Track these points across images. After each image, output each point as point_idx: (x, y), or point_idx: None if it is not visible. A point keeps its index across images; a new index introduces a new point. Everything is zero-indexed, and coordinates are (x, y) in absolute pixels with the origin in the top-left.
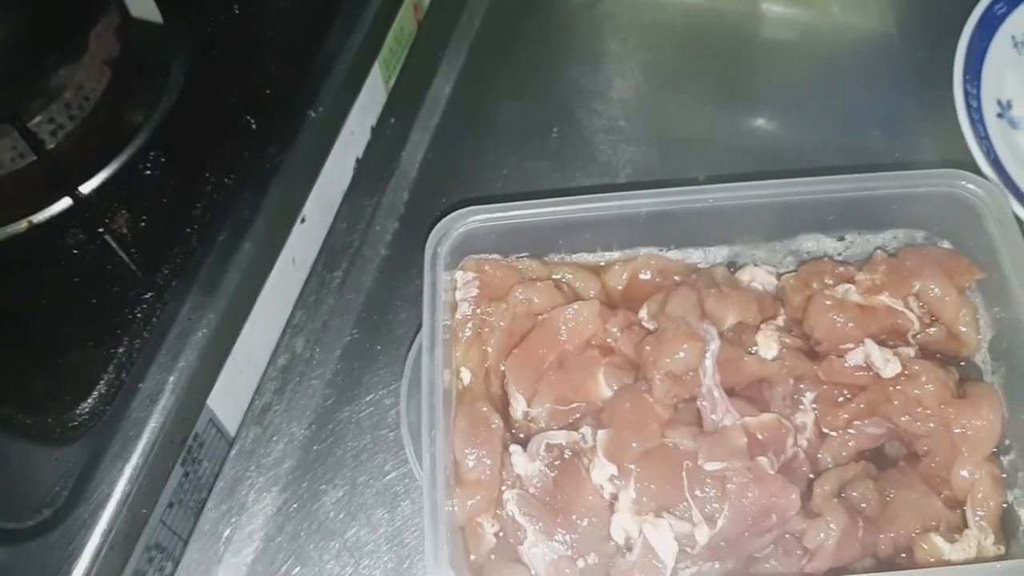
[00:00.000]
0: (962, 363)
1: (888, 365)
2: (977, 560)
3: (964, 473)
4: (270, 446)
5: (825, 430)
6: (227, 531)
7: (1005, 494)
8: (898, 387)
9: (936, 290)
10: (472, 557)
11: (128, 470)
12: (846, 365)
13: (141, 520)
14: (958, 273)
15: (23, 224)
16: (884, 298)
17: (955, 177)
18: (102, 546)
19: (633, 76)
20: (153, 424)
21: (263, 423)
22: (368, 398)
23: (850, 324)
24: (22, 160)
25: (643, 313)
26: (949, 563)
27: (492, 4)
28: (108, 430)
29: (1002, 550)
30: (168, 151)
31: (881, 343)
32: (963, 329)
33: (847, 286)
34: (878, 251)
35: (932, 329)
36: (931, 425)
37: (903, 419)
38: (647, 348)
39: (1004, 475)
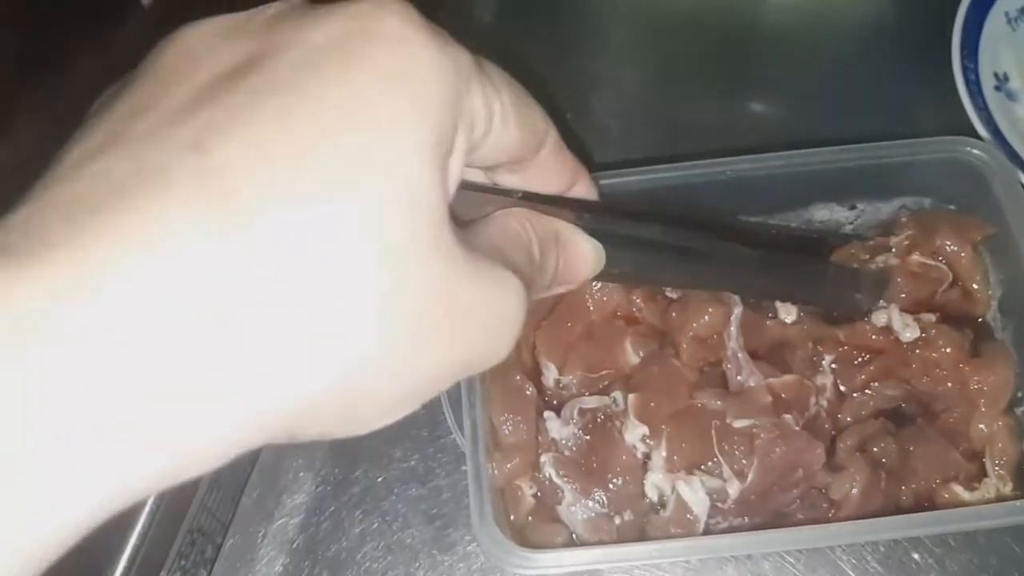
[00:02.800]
0: (979, 319)
1: (907, 330)
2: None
3: (982, 426)
4: None
5: (843, 389)
6: (266, 512)
7: (1021, 443)
8: (916, 351)
9: (952, 247)
10: (512, 518)
11: None
12: (866, 326)
13: (185, 501)
14: (968, 229)
15: None
16: (917, 257)
17: (959, 143)
18: (148, 526)
19: (643, 63)
20: None
21: None
22: None
23: (903, 294)
24: (47, 147)
25: None
26: (966, 503)
27: (499, 4)
28: None
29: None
30: None
31: (910, 308)
32: (976, 287)
33: (885, 255)
34: (903, 209)
35: (950, 288)
36: (948, 384)
37: (921, 381)
38: (673, 314)
39: (1020, 425)
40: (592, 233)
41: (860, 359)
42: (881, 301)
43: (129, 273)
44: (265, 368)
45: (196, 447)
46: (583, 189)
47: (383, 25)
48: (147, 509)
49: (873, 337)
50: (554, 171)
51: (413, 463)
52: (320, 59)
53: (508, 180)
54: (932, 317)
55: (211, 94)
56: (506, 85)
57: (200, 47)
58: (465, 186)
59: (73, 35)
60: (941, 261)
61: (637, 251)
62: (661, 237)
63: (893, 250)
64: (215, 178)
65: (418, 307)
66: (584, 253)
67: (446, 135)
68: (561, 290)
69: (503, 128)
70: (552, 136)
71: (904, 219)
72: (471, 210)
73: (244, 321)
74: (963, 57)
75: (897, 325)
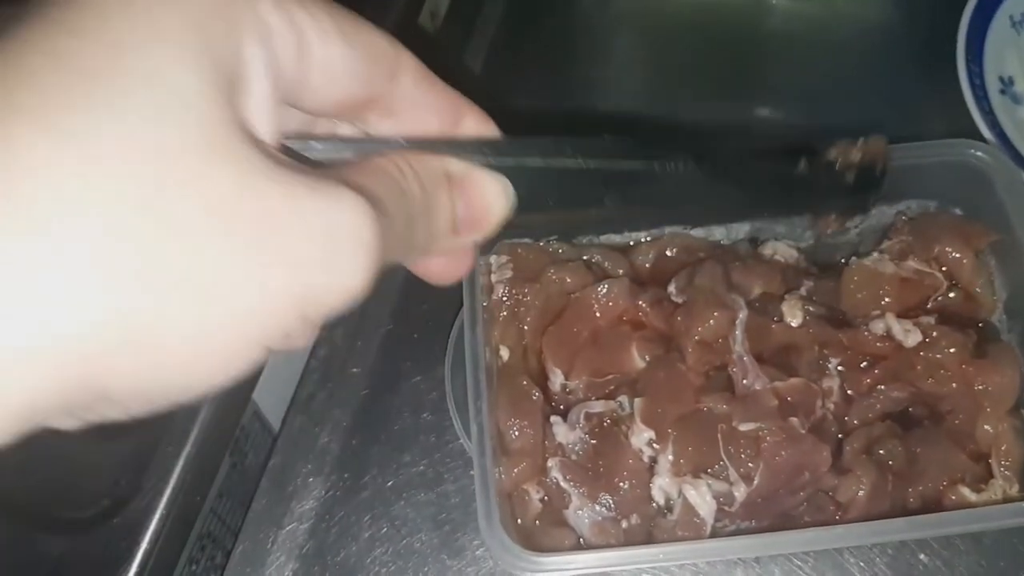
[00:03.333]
0: (980, 324)
1: (909, 335)
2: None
3: (988, 427)
4: (315, 434)
5: (850, 392)
6: (276, 518)
7: None
8: (920, 354)
9: (954, 253)
10: (519, 522)
11: (182, 460)
12: (866, 335)
13: (195, 508)
14: (973, 236)
15: None
16: (912, 262)
17: (964, 146)
18: (160, 532)
19: (644, 71)
20: (204, 415)
21: (307, 412)
22: (407, 384)
23: (886, 299)
24: None
25: (671, 288)
26: (970, 505)
27: (504, 13)
28: (163, 422)
29: None
30: None
31: (901, 313)
32: (979, 291)
33: (875, 255)
34: (899, 214)
35: (951, 293)
36: (953, 386)
37: (926, 383)
38: (678, 319)
39: None
40: (500, 172)
41: (866, 362)
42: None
43: None
44: (28, 312)
45: None
46: (474, 125)
47: None
48: (158, 515)
49: (877, 344)
50: (428, 105)
51: (421, 468)
52: None
53: (384, 128)
54: (931, 319)
55: None
56: (324, 5)
57: None
58: (337, 140)
59: None
60: (940, 268)
61: (555, 184)
62: (581, 162)
63: (886, 254)
64: None
65: (192, 208)
66: (487, 190)
67: (218, 40)
68: (472, 237)
69: (326, 47)
70: (408, 62)
71: (900, 223)
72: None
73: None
74: (968, 61)
75: (897, 332)
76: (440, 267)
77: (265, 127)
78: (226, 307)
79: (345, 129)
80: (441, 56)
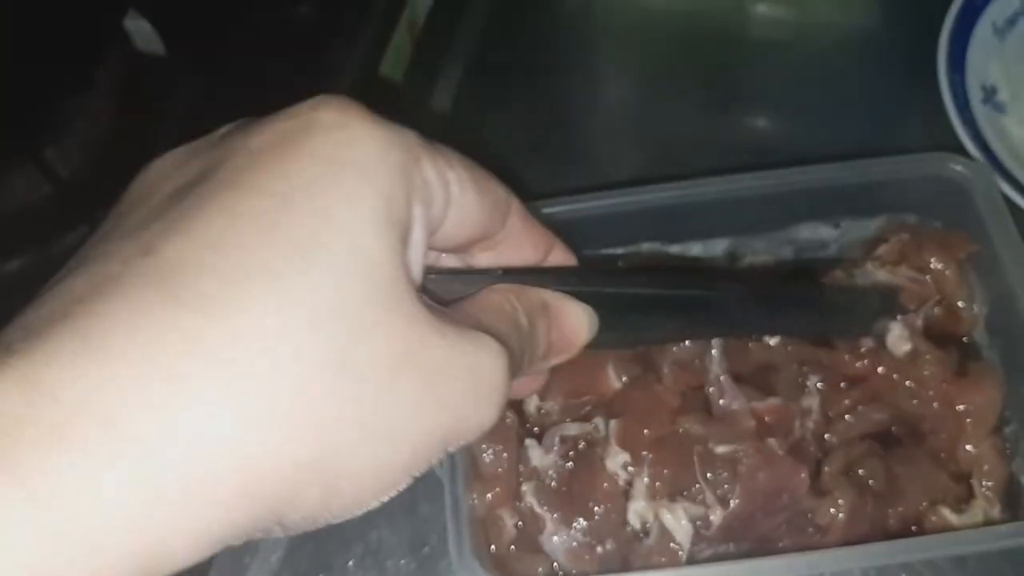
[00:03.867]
0: (964, 338)
1: (903, 343)
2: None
3: (969, 447)
4: None
5: (830, 415)
6: (252, 543)
7: (1009, 465)
8: (898, 374)
9: (937, 264)
10: (493, 548)
11: None
12: (846, 357)
13: None
14: (953, 247)
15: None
16: (905, 269)
17: (941, 159)
18: None
19: (626, 80)
20: None
21: None
22: None
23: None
24: (37, 191)
25: None
26: (954, 528)
27: (486, 21)
28: None
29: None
30: None
31: None
32: (961, 304)
33: (865, 269)
34: (890, 221)
35: (935, 308)
36: (934, 405)
37: (907, 403)
38: None
39: (1007, 446)
40: (580, 298)
41: (845, 382)
42: (891, 319)
43: (81, 368)
44: (235, 442)
45: (174, 540)
46: (560, 256)
47: (320, 117)
48: None
49: (857, 364)
50: (526, 241)
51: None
52: (261, 158)
53: (485, 259)
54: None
55: (163, 208)
56: (458, 157)
57: (158, 175)
58: (444, 272)
59: None
60: (929, 278)
61: (629, 309)
62: (649, 290)
63: (880, 262)
64: (160, 273)
65: (379, 359)
66: (575, 317)
67: (398, 205)
68: (559, 360)
69: (463, 198)
70: (516, 204)
71: (892, 231)
72: (456, 296)
73: (203, 395)
74: (950, 70)
75: (892, 339)
76: (520, 385)
77: (417, 271)
78: (396, 443)
79: (451, 260)
80: (408, 99)
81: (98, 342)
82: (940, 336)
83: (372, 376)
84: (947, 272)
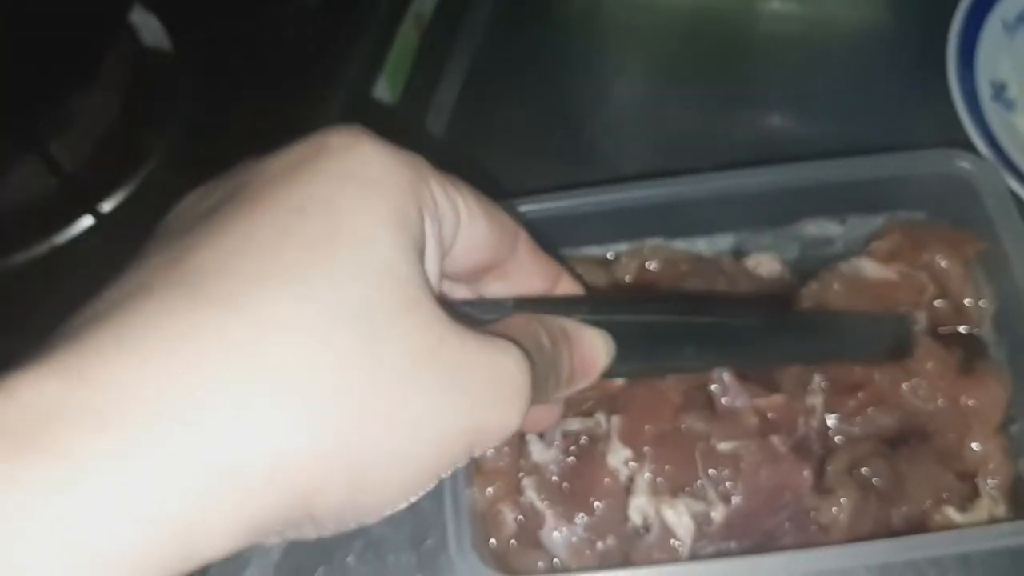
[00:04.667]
0: (968, 337)
1: None
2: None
3: (975, 446)
4: None
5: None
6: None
7: (1015, 464)
8: (902, 374)
9: (942, 262)
10: (493, 543)
11: None
12: None
13: None
14: (960, 245)
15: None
16: (898, 264)
17: (950, 156)
18: None
19: (633, 77)
20: None
21: None
22: None
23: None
24: (42, 184)
25: None
26: (957, 526)
27: (492, 17)
28: None
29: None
30: (182, 171)
31: None
32: (967, 302)
33: (855, 263)
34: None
35: (938, 302)
36: (940, 404)
37: (912, 403)
38: None
39: (1014, 445)
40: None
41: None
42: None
43: (115, 362)
44: (264, 430)
45: (207, 528)
46: (568, 286)
47: (331, 141)
48: None
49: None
50: (535, 270)
51: None
52: (277, 180)
53: (496, 289)
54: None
55: (189, 230)
56: (466, 184)
57: (184, 207)
58: (458, 304)
59: None
60: (930, 277)
61: (640, 338)
62: (661, 318)
63: (872, 257)
64: (185, 279)
65: (400, 352)
66: (593, 343)
67: (409, 218)
68: (580, 386)
69: (472, 223)
70: (524, 234)
71: (890, 225)
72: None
73: (232, 386)
74: (959, 66)
75: None
76: (538, 415)
77: (433, 283)
78: (417, 438)
79: (462, 290)
80: (400, 123)
81: (128, 339)
82: (946, 334)
83: (394, 367)
84: (953, 270)
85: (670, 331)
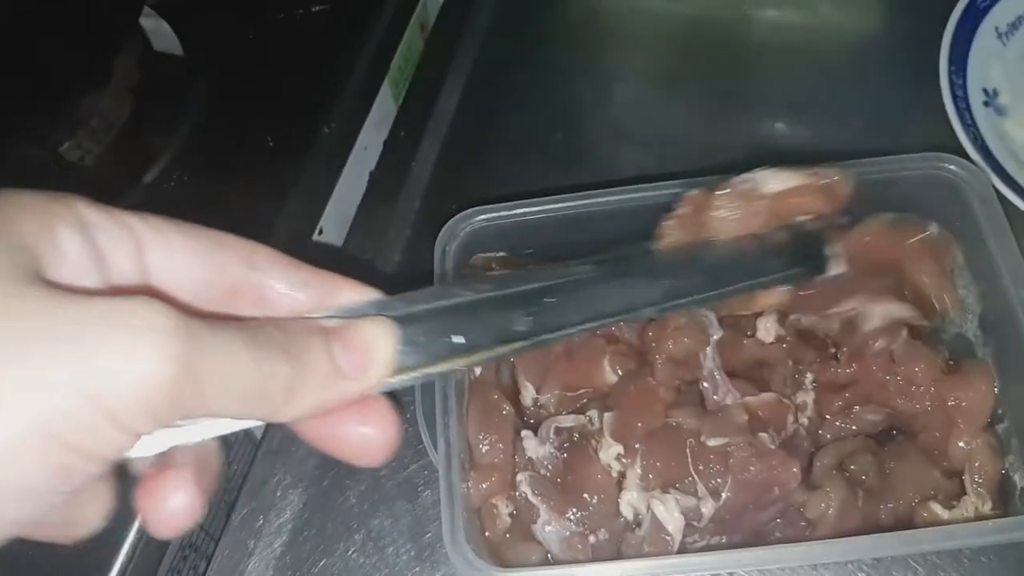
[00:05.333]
0: (957, 335)
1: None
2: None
3: (961, 444)
4: (295, 446)
5: (825, 415)
6: (256, 527)
7: (1002, 461)
8: (889, 375)
9: (923, 273)
10: (488, 536)
11: None
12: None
13: None
14: (940, 253)
15: None
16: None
17: (938, 160)
18: (137, 543)
19: (632, 83)
20: None
21: (287, 425)
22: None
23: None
24: (53, 185)
25: None
26: (943, 522)
27: (495, 22)
28: None
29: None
30: (191, 171)
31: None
32: (951, 306)
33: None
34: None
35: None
36: (926, 402)
37: (899, 402)
38: (650, 334)
39: (1000, 443)
40: (422, 315)
41: (839, 380)
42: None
43: None
44: None
45: None
46: (353, 295)
47: None
48: (136, 526)
49: (847, 371)
50: (293, 285)
51: (399, 480)
52: None
53: (252, 313)
54: (904, 334)
55: None
56: (156, 215)
57: None
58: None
59: None
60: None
61: (472, 315)
62: (488, 294)
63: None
64: None
65: None
66: (363, 331)
67: (27, 230)
68: (363, 378)
69: (161, 236)
70: (262, 249)
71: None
72: None
73: None
74: (951, 72)
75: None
76: (358, 439)
77: (87, 283)
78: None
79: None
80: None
81: None
82: (929, 334)
83: None
84: (932, 278)
85: (494, 304)
